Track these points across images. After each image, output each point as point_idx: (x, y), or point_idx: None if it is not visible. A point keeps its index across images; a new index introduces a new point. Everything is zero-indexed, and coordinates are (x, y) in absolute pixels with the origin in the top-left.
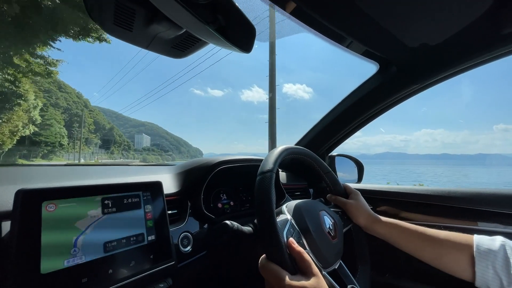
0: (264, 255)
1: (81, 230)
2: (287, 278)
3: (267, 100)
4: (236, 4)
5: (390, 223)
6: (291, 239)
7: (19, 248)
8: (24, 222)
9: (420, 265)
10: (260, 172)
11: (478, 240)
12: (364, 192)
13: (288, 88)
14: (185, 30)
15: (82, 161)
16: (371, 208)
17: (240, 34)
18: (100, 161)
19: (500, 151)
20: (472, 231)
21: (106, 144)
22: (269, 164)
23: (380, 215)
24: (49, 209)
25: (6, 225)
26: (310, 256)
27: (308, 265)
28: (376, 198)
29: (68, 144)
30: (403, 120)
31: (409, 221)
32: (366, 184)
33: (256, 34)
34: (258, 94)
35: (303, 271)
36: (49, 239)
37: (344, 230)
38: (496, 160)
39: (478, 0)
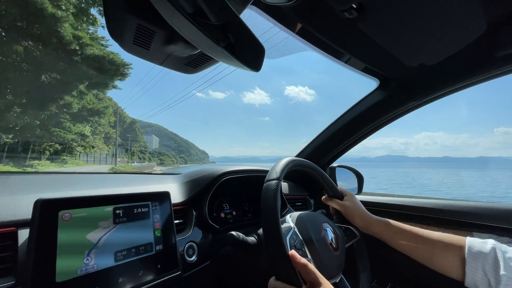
0: (272, 277)
1: (95, 239)
2: None
3: (269, 103)
4: (246, 24)
5: (384, 222)
6: (293, 251)
7: (37, 257)
8: (42, 231)
9: (423, 276)
10: (266, 179)
11: (471, 242)
12: (363, 204)
13: (290, 91)
14: (199, 50)
15: (118, 163)
16: None
17: (249, 53)
18: (129, 164)
19: (501, 154)
20: None
21: (126, 142)
22: (276, 173)
23: None
24: (65, 218)
25: (22, 234)
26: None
27: (314, 276)
28: (374, 210)
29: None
30: (403, 123)
31: None
32: (365, 196)
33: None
34: (260, 97)
35: (311, 283)
36: (64, 249)
37: (347, 245)
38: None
39: (473, 25)
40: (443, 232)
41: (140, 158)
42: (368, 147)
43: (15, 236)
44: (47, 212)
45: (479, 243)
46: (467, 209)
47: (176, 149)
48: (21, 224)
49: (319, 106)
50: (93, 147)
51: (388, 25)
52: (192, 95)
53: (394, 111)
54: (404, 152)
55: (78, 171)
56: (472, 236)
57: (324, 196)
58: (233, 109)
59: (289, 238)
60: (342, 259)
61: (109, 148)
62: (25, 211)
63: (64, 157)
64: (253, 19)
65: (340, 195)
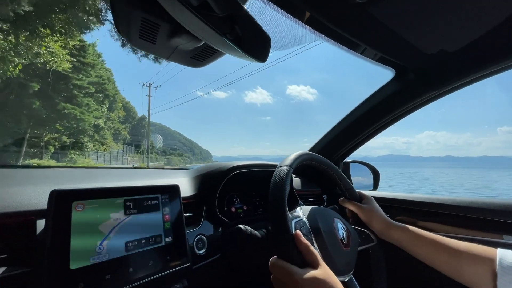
0: (274, 256)
1: (107, 229)
2: (297, 272)
3: (271, 102)
4: (252, 15)
5: (405, 229)
6: (298, 231)
7: (52, 244)
8: (57, 220)
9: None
10: (278, 166)
11: (502, 254)
12: (379, 200)
13: (292, 90)
14: (204, 42)
15: (129, 163)
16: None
17: (255, 45)
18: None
19: (503, 153)
20: (497, 245)
21: (136, 139)
22: (288, 161)
23: None
24: (78, 208)
25: (40, 223)
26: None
27: (315, 257)
28: (392, 207)
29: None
30: (405, 122)
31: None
32: (381, 192)
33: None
34: (261, 96)
35: (311, 263)
36: (77, 237)
37: (361, 248)
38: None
39: (497, 7)
40: (469, 233)
41: (147, 158)
42: (369, 146)
43: (33, 225)
44: (62, 202)
45: (511, 255)
46: (497, 207)
47: (180, 148)
48: (39, 214)
49: (321, 105)
50: (102, 143)
51: (403, 9)
52: (196, 97)
53: (412, 102)
54: (406, 151)
55: (92, 166)
56: (502, 239)
57: (341, 199)
58: (235, 109)
59: (295, 223)
60: (352, 258)
61: (118, 146)
62: (43, 202)
63: (72, 155)
64: (259, 9)
65: (358, 197)
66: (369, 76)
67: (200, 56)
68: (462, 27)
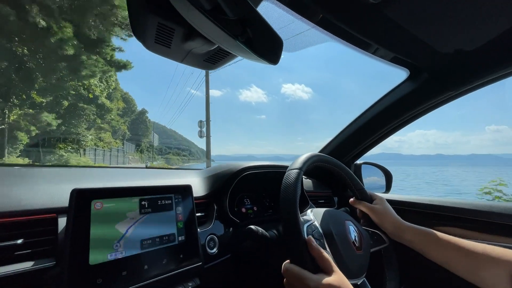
0: (287, 261)
1: (124, 227)
2: (311, 278)
3: (266, 101)
4: (264, 17)
5: (418, 230)
6: (310, 237)
7: (73, 240)
8: (77, 217)
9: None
10: (288, 169)
11: None
12: (392, 203)
13: (287, 88)
14: (217, 45)
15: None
16: None
17: (267, 47)
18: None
19: (490, 151)
20: None
21: (136, 135)
22: (298, 163)
23: None
24: (97, 207)
25: (62, 220)
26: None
27: (329, 264)
28: (405, 210)
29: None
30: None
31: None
32: (394, 194)
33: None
34: (256, 94)
35: (324, 269)
36: (96, 234)
37: (373, 249)
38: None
39: None
40: (487, 238)
41: (147, 158)
42: None
43: (55, 221)
44: (82, 200)
45: None
46: None
47: (177, 147)
48: (61, 211)
49: (316, 104)
50: (100, 139)
51: (418, 8)
52: (192, 96)
53: (427, 103)
54: (398, 150)
55: (109, 166)
56: None
57: (352, 199)
58: (229, 107)
59: (307, 227)
60: (365, 260)
61: (117, 142)
62: (64, 200)
63: (63, 152)
64: (271, 11)
65: (369, 198)
66: (366, 74)
67: (213, 59)
68: (479, 26)
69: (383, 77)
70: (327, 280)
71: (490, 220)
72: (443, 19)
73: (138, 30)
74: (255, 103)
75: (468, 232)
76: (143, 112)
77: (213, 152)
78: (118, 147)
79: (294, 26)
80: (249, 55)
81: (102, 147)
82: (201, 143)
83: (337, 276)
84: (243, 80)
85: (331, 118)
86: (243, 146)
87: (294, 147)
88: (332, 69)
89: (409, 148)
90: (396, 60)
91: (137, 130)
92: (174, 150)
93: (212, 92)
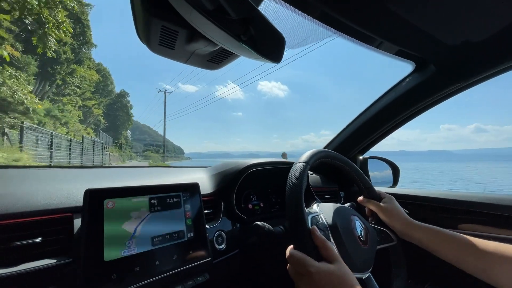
0: (291, 246)
1: (135, 225)
2: (313, 265)
3: (242, 97)
4: (265, 16)
5: (428, 228)
6: (314, 226)
7: (88, 238)
8: (91, 216)
9: (465, 279)
10: (295, 162)
11: None
12: (399, 197)
13: (264, 86)
14: (219, 46)
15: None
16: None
17: (269, 45)
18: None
19: (445, 147)
20: None
21: (113, 126)
22: (304, 157)
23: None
24: (109, 206)
25: (77, 220)
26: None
27: (332, 252)
28: (412, 204)
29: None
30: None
31: (451, 231)
32: (401, 188)
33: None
34: (232, 91)
35: (327, 258)
36: (109, 231)
37: (380, 246)
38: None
39: None
40: (498, 232)
41: (127, 156)
42: (328, 140)
43: (71, 220)
44: (95, 200)
45: None
46: None
47: (152, 144)
48: (75, 210)
49: (291, 101)
50: (62, 122)
51: (422, 2)
52: (170, 92)
53: (434, 95)
54: None
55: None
56: None
57: (360, 197)
58: (205, 104)
59: (312, 218)
60: (370, 255)
61: (87, 130)
62: (78, 199)
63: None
64: (272, 9)
65: (377, 197)
66: (340, 73)
67: (217, 59)
68: (487, 16)
69: (353, 76)
70: (329, 267)
71: (501, 213)
72: (450, 10)
73: (143, 33)
74: (231, 100)
75: (478, 226)
76: (122, 95)
77: (187, 150)
78: (90, 137)
79: (296, 22)
80: (252, 54)
81: (66, 134)
82: (176, 141)
83: (340, 266)
84: (219, 76)
85: (308, 116)
86: (218, 143)
87: (270, 144)
88: (309, 67)
89: (376, 145)
90: (401, 54)
91: (115, 119)
92: (152, 147)
93: (187, 88)
